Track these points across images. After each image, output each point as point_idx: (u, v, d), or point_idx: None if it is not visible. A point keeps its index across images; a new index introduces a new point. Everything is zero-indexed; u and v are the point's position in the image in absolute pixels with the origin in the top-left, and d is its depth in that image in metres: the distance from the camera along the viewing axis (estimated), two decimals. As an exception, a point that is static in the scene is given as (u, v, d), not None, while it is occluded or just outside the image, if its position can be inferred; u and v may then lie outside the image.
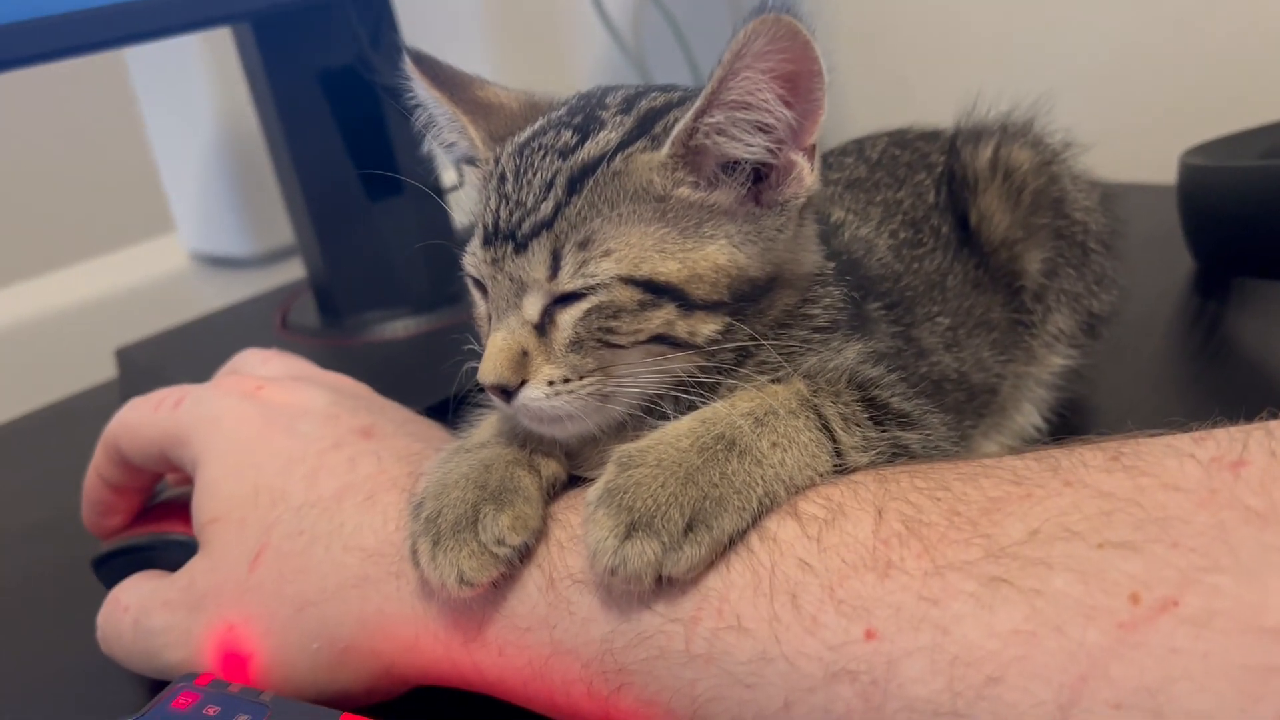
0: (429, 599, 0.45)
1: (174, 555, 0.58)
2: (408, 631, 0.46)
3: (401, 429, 0.53)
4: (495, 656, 0.44)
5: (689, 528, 0.40)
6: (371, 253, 0.93)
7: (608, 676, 0.42)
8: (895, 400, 0.46)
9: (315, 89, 0.89)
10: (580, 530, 0.44)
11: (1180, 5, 1.02)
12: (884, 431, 0.45)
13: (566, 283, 0.43)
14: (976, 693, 0.34)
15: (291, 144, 0.89)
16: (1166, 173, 0.85)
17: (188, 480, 0.63)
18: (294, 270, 1.22)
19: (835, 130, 1.08)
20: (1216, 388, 0.70)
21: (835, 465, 0.43)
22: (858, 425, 0.44)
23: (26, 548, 0.72)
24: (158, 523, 0.61)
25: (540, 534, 0.44)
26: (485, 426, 0.49)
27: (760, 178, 0.44)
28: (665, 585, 0.40)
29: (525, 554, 0.44)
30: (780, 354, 0.45)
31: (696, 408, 0.45)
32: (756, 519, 0.41)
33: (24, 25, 0.69)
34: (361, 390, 0.58)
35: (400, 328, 0.92)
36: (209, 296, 1.27)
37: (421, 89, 0.50)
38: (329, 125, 0.90)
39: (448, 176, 0.97)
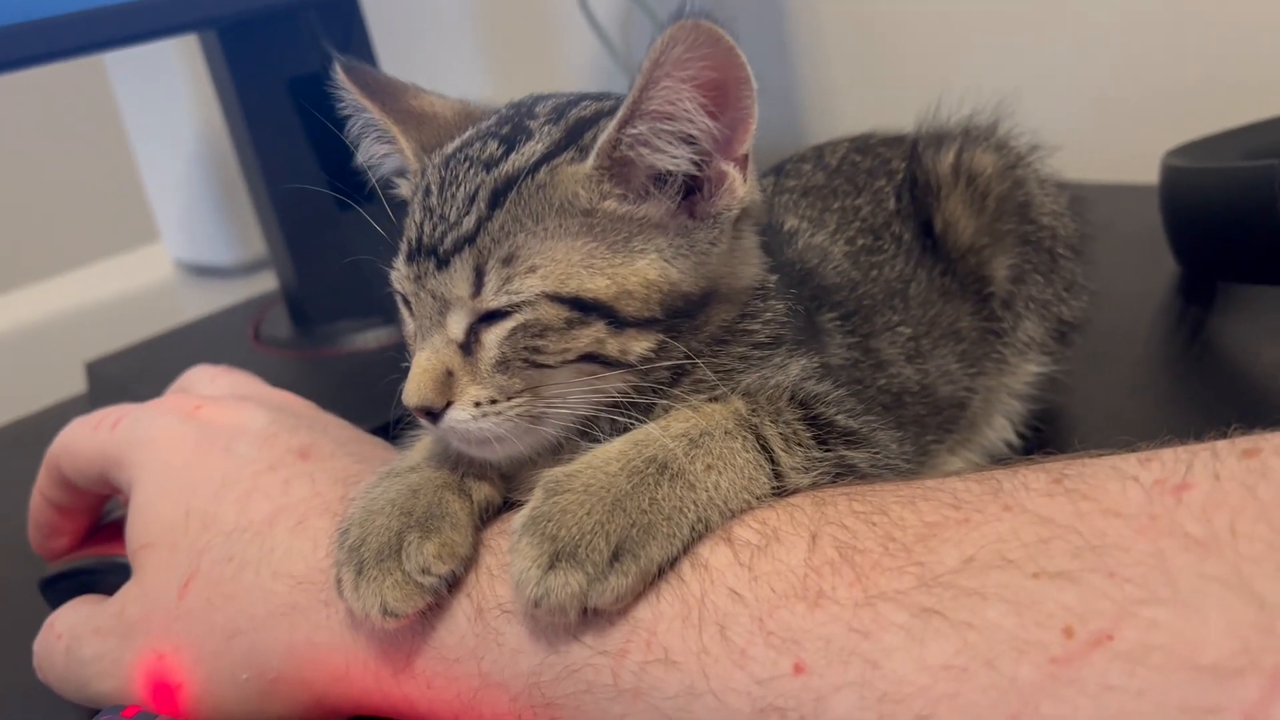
0: (358, 629, 0.44)
1: (120, 578, 0.56)
2: (338, 662, 0.44)
3: (342, 449, 0.52)
4: (424, 689, 0.43)
5: (615, 557, 0.38)
6: (342, 262, 0.91)
7: (536, 711, 0.40)
8: (841, 418, 0.44)
9: (283, 97, 0.87)
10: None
11: (1163, 3, 1.00)
12: (828, 451, 0.43)
13: (490, 300, 0.41)
14: None
15: (260, 152, 0.88)
16: (1148, 173, 0.83)
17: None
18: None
19: (830, 129, 1.07)
20: (1197, 395, 0.68)
21: (775, 487, 0.41)
22: (800, 445, 0.43)
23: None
24: (105, 544, 0.59)
25: (470, 561, 0.43)
26: (418, 449, 0.48)
27: (692, 190, 0.42)
28: (593, 616, 0.39)
29: (454, 583, 0.42)
30: (717, 372, 0.43)
31: (632, 428, 0.43)
32: (689, 545, 0.39)
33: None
34: (306, 408, 0.56)
35: (373, 338, 0.90)
36: (194, 306, 1.26)
37: (352, 99, 0.48)
38: (297, 133, 0.88)
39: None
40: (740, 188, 0.42)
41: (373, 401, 0.70)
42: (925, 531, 0.36)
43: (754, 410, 0.43)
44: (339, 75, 0.48)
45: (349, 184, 0.91)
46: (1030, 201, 0.58)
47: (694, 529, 0.39)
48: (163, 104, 1.27)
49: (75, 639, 0.49)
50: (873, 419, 0.46)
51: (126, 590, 0.49)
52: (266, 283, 1.21)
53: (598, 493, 0.39)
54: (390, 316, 0.91)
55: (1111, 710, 0.30)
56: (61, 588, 0.60)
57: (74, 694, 0.50)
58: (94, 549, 0.60)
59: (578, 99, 0.45)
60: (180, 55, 1.22)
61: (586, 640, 0.39)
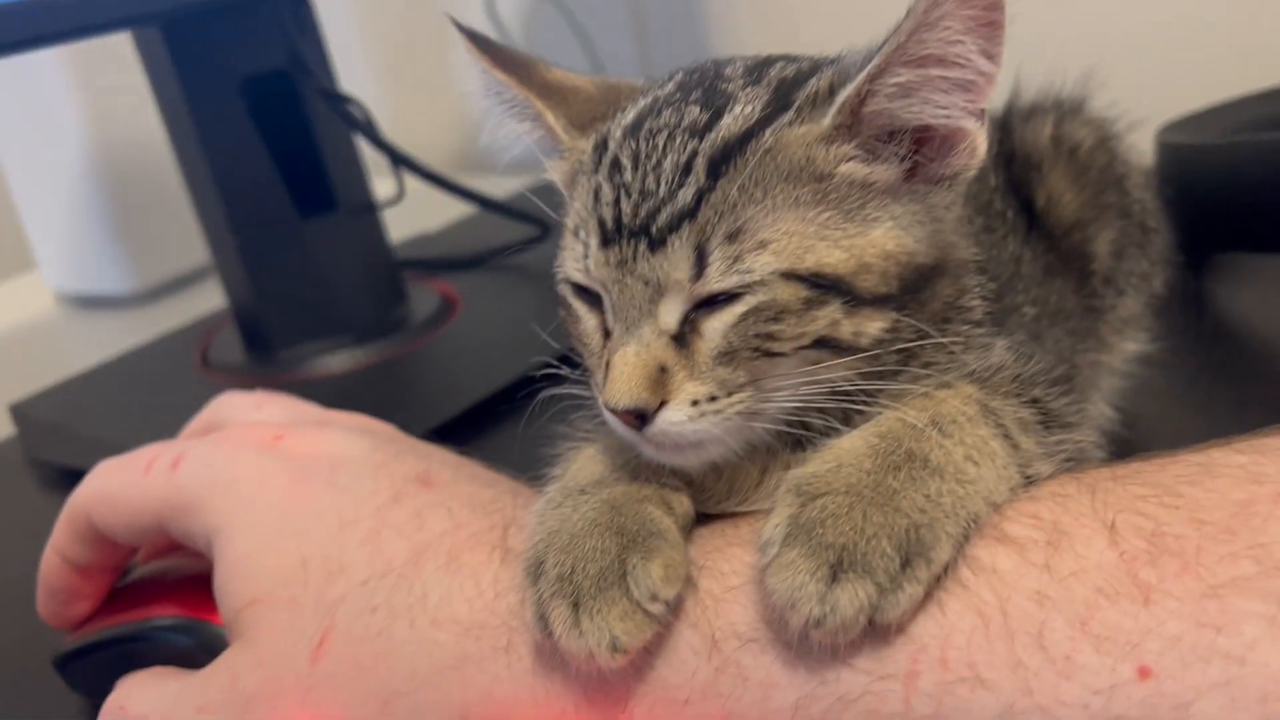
0: (552, 674, 0.38)
1: (167, 642, 0.48)
2: (525, 716, 0.38)
3: (459, 472, 0.45)
4: None
5: (905, 562, 0.34)
6: (305, 276, 0.83)
7: None
8: (1051, 400, 0.41)
9: (234, 97, 0.79)
10: (738, 578, 0.37)
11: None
12: (1051, 435, 0.40)
13: (716, 282, 0.36)
14: None
15: (211, 159, 0.79)
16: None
17: (159, 554, 0.53)
18: (185, 306, 1.10)
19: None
20: (1220, 365, 0.68)
21: (1025, 477, 0.38)
22: (1031, 431, 0.39)
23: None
24: (137, 608, 0.50)
25: (689, 584, 0.38)
26: (585, 462, 0.42)
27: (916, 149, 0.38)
28: (868, 636, 0.34)
29: (674, 610, 0.37)
30: (943, 354, 0.39)
31: (849, 419, 0.39)
32: (961, 548, 0.35)
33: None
34: (390, 429, 0.50)
35: (343, 361, 0.82)
36: (87, 341, 1.14)
37: (484, 73, 0.42)
38: (252, 136, 0.80)
39: (381, 188, 0.88)
40: (982, 145, 0.38)
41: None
42: (1239, 510, 0.33)
43: (988, 394, 0.39)
44: (469, 49, 0.42)
45: (310, 190, 0.84)
46: (1127, 174, 0.57)
47: (968, 527, 0.35)
48: (41, 119, 1.14)
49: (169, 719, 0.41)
50: (1071, 400, 0.43)
51: (233, 657, 0.41)
52: (170, 312, 1.10)
53: (865, 492, 0.35)
54: (360, 335, 0.83)
55: None
56: (86, 663, 0.51)
57: (171, 787, 0.42)
58: (122, 615, 0.51)
59: (765, 60, 0.41)
60: (60, 62, 1.10)
61: (860, 664, 0.34)
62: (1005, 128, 0.57)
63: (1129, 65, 0.98)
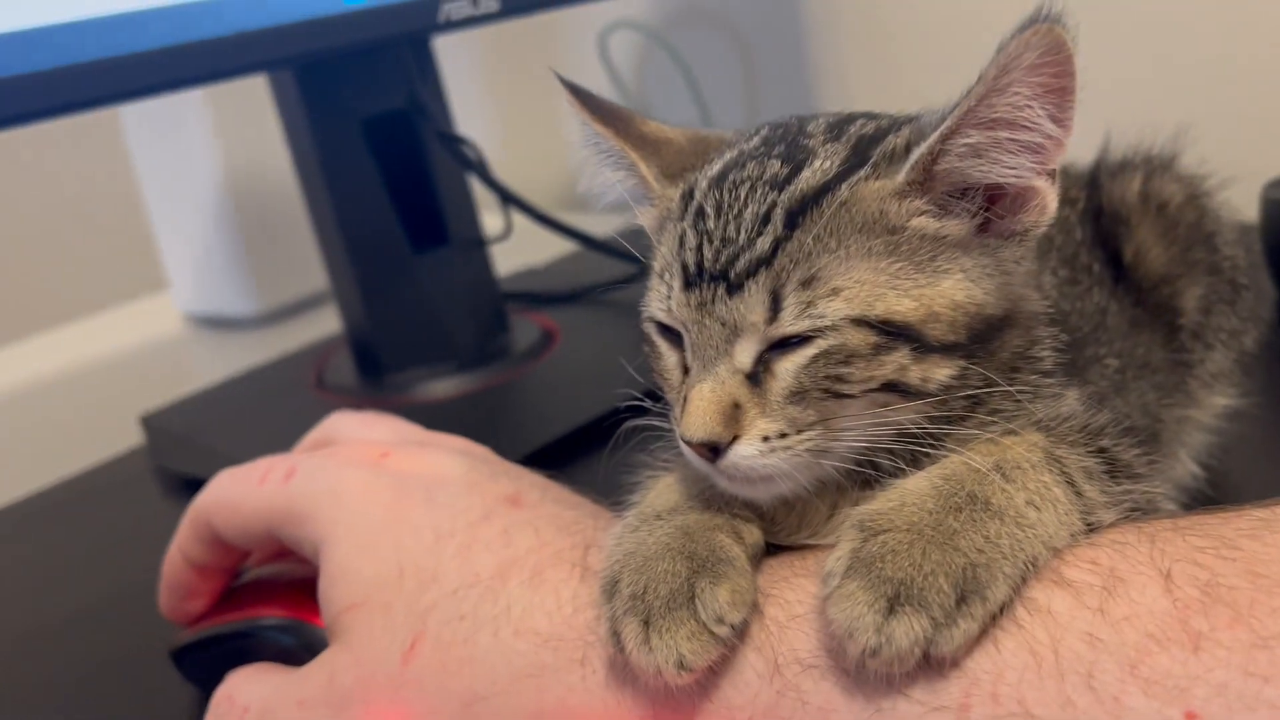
0: (623, 688, 0.40)
1: (273, 641, 0.52)
2: None
3: (546, 495, 0.48)
4: None
5: (961, 599, 0.35)
6: (416, 305, 0.88)
7: None
8: (1121, 450, 0.42)
9: (358, 136, 0.84)
10: (802, 607, 0.39)
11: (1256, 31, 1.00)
12: (1118, 484, 0.41)
13: (789, 325, 0.39)
14: None
15: (334, 194, 0.84)
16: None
17: (271, 559, 0.57)
18: (303, 329, 1.16)
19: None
20: None
21: (1088, 524, 0.39)
22: (1096, 479, 0.40)
23: (74, 640, 0.65)
24: (248, 607, 0.55)
25: (754, 610, 0.40)
26: (663, 490, 0.44)
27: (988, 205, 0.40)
28: (923, 668, 0.36)
29: (740, 634, 0.39)
30: (1011, 402, 0.41)
31: (917, 461, 0.40)
32: (1019, 588, 0.37)
33: (55, 72, 0.64)
34: (489, 454, 0.53)
35: (448, 387, 0.86)
36: (212, 359, 1.21)
37: (584, 124, 0.45)
38: (372, 173, 0.85)
39: (491, 224, 0.93)
40: (1052, 203, 0.40)
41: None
42: None
43: (1054, 443, 0.40)
44: (570, 100, 0.45)
45: (425, 225, 0.89)
46: (1217, 230, 0.58)
47: (1025, 570, 0.37)
48: (181, 153, 1.22)
49: (270, 712, 0.45)
50: (1141, 451, 0.44)
51: (333, 656, 0.45)
52: (288, 334, 1.17)
53: (925, 531, 0.37)
54: (464, 363, 0.87)
55: None
56: (200, 656, 0.55)
57: (271, 775, 0.45)
58: (234, 613, 0.55)
59: (846, 118, 0.43)
60: (199, 99, 1.17)
61: (916, 695, 0.36)
62: (1094, 183, 0.58)
63: (1234, 120, 0.99)
